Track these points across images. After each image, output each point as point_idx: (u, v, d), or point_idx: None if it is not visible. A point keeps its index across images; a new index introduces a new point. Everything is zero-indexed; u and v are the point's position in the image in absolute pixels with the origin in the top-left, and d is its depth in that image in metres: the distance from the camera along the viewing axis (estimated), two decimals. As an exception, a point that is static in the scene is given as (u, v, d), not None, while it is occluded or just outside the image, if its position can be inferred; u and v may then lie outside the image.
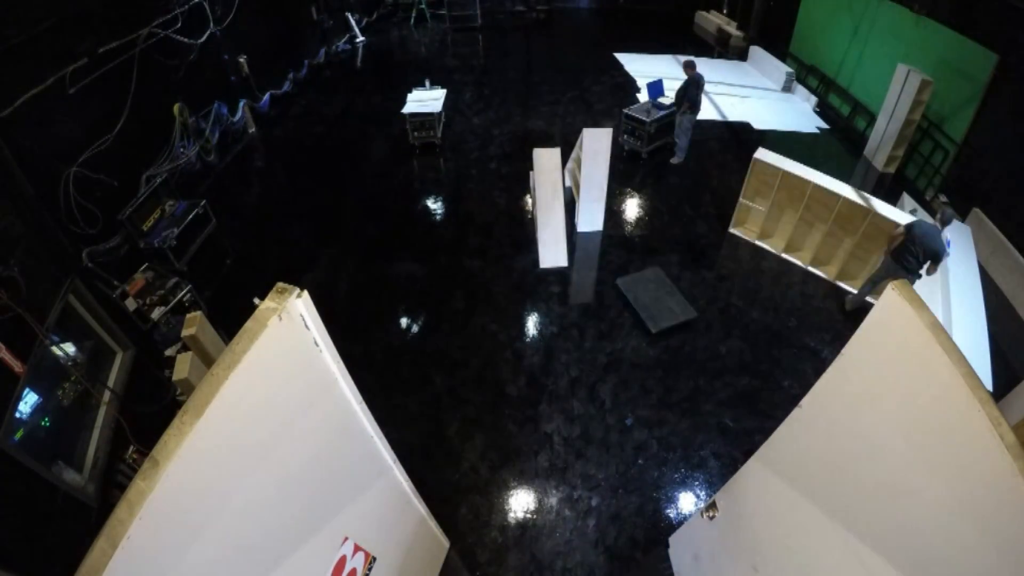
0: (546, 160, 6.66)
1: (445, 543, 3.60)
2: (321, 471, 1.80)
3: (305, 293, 1.46)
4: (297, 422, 1.57)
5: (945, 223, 4.74)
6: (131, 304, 5.03)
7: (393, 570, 2.53)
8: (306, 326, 1.49)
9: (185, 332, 4.12)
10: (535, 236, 6.31)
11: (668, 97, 7.99)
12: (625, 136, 8.10)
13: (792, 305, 5.57)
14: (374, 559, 2.26)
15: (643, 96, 9.17)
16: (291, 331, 1.44)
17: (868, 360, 1.74)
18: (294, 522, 1.68)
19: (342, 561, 1.99)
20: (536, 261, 6.14)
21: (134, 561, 1.06)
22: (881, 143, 7.79)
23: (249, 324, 1.31)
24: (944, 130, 7.12)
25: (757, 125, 9.18)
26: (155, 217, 5.92)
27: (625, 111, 8.00)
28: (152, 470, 1.10)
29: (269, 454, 1.47)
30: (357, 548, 2.10)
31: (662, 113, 7.83)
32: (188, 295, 5.27)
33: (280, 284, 1.42)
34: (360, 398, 1.92)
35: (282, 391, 1.48)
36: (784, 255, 6.02)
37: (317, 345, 1.57)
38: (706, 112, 9.57)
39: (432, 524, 3.26)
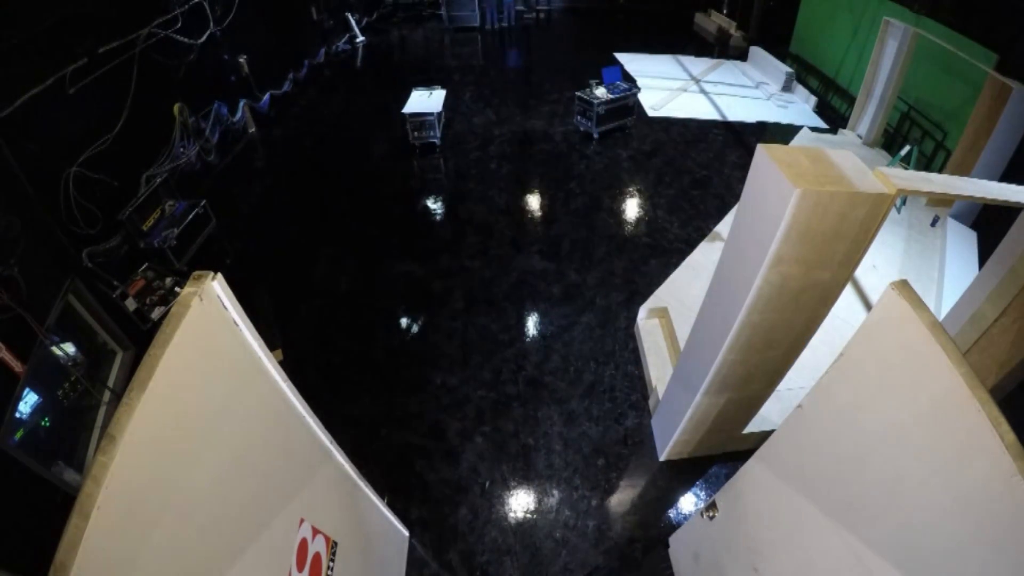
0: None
1: (404, 532, 3.64)
2: (264, 450, 1.87)
3: (219, 276, 1.57)
4: (233, 400, 1.65)
5: None
6: (131, 304, 5.03)
7: (357, 556, 2.58)
8: (224, 306, 1.59)
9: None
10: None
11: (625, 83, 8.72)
12: (578, 117, 8.77)
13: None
14: (335, 543, 2.30)
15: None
16: (211, 312, 1.54)
17: (868, 360, 1.74)
18: (250, 500, 1.74)
19: (304, 544, 2.03)
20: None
21: (107, 529, 1.11)
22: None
23: (175, 308, 1.42)
24: (945, 129, 7.13)
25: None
26: (155, 217, 5.92)
27: (577, 93, 8.60)
28: (110, 444, 1.16)
29: (213, 429, 1.55)
30: (316, 531, 2.14)
31: (612, 96, 8.34)
32: (188, 295, 5.26)
33: (197, 272, 1.53)
34: (289, 381, 1.99)
35: (213, 370, 1.57)
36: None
37: (237, 325, 1.66)
38: (706, 112, 9.60)
39: (386, 511, 3.31)
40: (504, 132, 8.98)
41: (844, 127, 8.71)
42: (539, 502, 3.98)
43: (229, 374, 1.65)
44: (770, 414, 3.91)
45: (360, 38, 13.13)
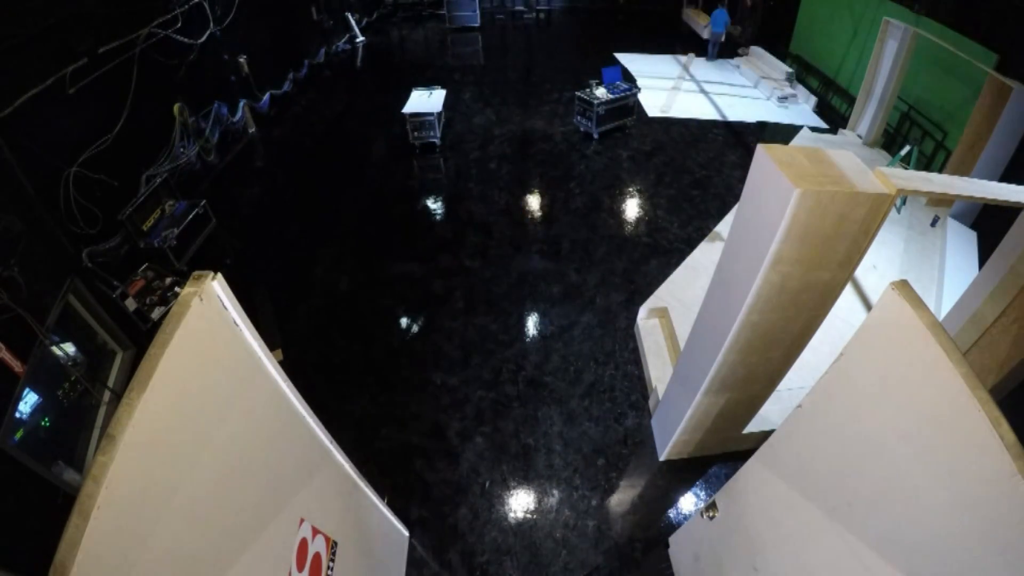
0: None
1: (404, 532, 3.64)
2: (264, 450, 1.88)
3: (219, 276, 1.57)
4: (233, 400, 1.66)
5: None
6: (131, 304, 5.03)
7: (357, 556, 2.58)
8: (224, 306, 1.60)
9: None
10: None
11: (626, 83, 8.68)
12: (578, 117, 8.74)
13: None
14: (335, 543, 2.30)
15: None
16: (211, 312, 1.55)
17: (868, 360, 1.74)
18: (250, 499, 1.75)
19: (304, 544, 2.04)
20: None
21: (107, 529, 1.11)
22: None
23: (175, 308, 1.43)
24: (945, 129, 7.13)
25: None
26: (155, 217, 5.92)
27: (577, 93, 8.59)
28: (110, 444, 1.16)
29: (213, 429, 1.55)
30: (316, 531, 2.15)
31: (612, 96, 8.31)
32: (188, 295, 5.27)
33: (197, 272, 1.54)
34: (289, 381, 2.00)
35: (213, 370, 1.58)
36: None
37: (237, 325, 1.66)
38: (706, 112, 9.60)
39: (386, 511, 3.32)
40: (504, 132, 8.98)
41: (844, 127, 8.72)
42: (539, 502, 3.98)
43: (229, 374, 1.66)
44: (770, 414, 3.91)
45: (360, 38, 13.13)
